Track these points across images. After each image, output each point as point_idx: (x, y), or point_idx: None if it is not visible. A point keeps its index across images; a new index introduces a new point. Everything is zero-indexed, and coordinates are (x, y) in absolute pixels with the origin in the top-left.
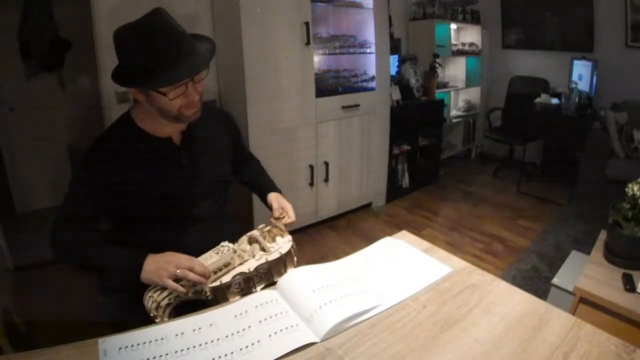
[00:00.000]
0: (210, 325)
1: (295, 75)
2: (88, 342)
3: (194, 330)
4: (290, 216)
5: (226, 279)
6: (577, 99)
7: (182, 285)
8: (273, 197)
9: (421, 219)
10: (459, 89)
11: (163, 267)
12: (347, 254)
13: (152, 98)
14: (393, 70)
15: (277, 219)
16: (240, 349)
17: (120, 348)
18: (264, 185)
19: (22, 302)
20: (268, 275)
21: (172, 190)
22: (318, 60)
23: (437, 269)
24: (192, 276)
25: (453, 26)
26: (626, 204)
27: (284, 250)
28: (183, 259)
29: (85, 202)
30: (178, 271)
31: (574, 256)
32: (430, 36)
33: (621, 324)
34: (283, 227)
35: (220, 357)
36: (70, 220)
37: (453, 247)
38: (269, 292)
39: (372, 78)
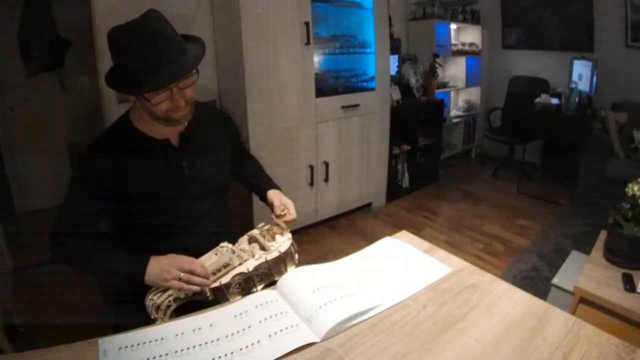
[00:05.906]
0: (210, 325)
1: (295, 75)
2: (88, 342)
3: (194, 330)
4: (292, 213)
5: (225, 279)
6: (577, 99)
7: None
8: (273, 194)
9: (421, 219)
10: (459, 89)
11: (166, 269)
12: (347, 254)
13: (141, 101)
14: (393, 70)
15: (279, 216)
16: (240, 349)
17: (120, 348)
18: (262, 183)
19: (22, 302)
20: (268, 274)
21: (171, 191)
22: (318, 60)
23: (437, 269)
24: (196, 280)
25: (453, 26)
26: (626, 204)
27: (283, 249)
28: (185, 261)
29: (84, 204)
30: (182, 275)
31: (574, 256)
32: (430, 36)
33: (621, 324)
34: (284, 225)
35: (220, 357)
36: (70, 223)
37: (453, 247)
38: (269, 292)
39: (372, 78)
